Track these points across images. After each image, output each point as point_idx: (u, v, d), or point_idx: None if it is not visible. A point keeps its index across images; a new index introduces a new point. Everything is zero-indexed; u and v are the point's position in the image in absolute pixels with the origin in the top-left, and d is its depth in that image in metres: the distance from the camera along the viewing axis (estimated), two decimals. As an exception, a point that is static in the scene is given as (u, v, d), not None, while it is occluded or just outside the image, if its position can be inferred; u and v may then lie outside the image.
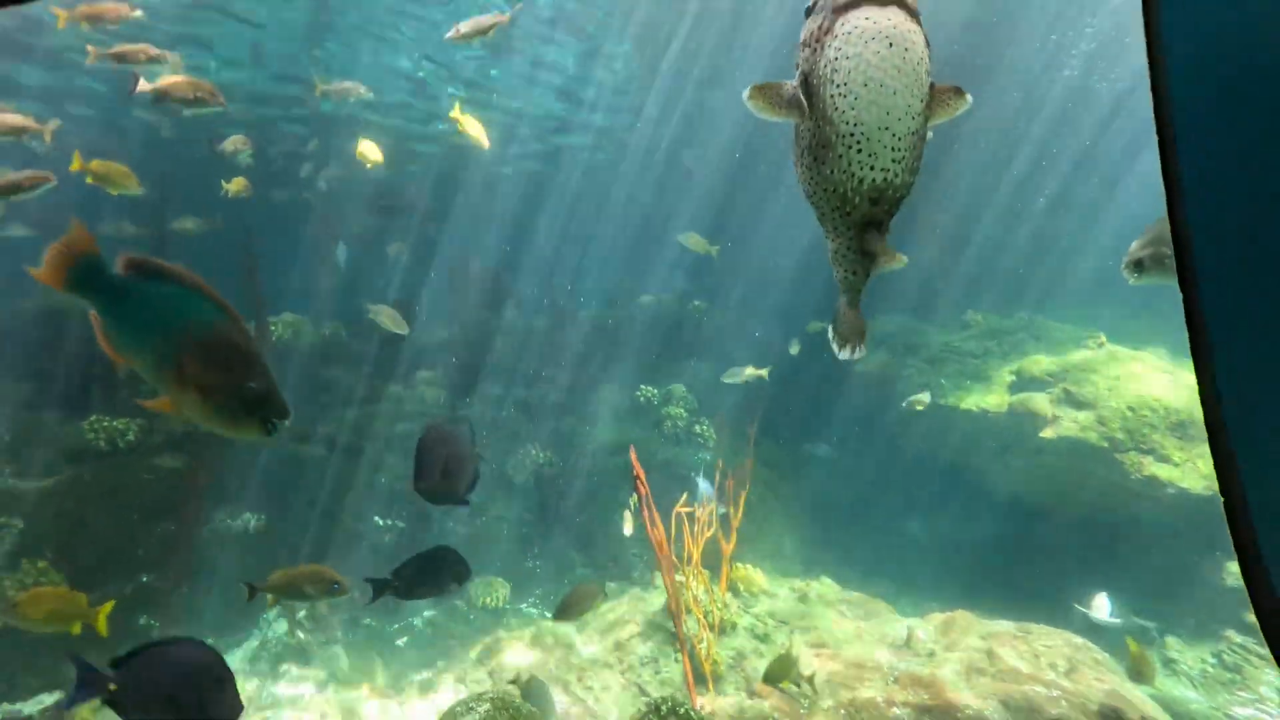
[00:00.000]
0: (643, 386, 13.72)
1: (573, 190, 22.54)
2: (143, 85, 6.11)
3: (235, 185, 9.37)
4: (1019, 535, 10.03)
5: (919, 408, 10.54)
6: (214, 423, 2.46)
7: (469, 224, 20.53)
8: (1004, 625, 7.50)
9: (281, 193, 16.68)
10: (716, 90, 16.96)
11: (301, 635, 8.89)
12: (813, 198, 2.00)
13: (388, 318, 9.66)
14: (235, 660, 8.61)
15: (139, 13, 6.85)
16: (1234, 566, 6.78)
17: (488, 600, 10.17)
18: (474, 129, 8.00)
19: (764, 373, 11.38)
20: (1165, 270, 3.14)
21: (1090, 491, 9.40)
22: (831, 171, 1.84)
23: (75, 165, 6.35)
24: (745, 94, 1.93)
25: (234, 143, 8.97)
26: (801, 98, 1.87)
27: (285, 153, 17.04)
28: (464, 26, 7.19)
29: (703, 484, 8.20)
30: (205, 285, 2.38)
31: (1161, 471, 8.80)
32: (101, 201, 9.93)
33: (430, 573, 5.05)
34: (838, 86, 1.71)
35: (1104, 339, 10.77)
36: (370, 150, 8.53)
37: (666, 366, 14.39)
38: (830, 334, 2.42)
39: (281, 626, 9.07)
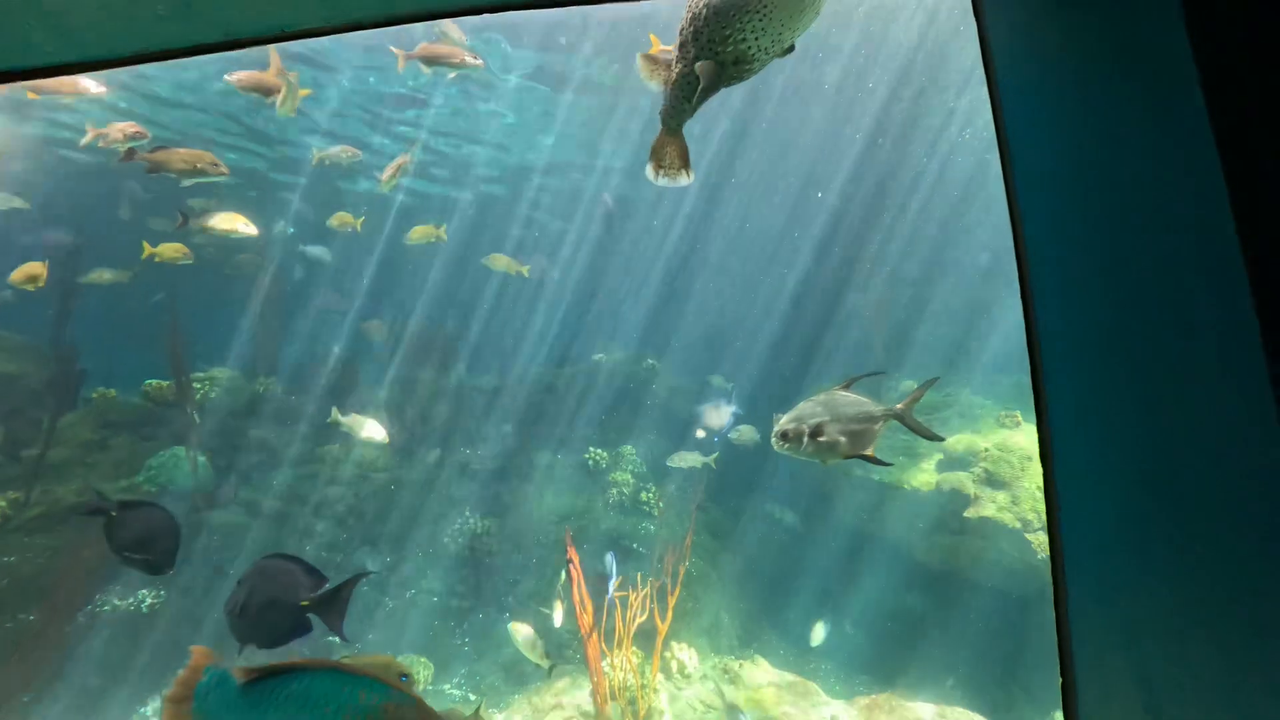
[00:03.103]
0: (591, 449, 13.50)
1: (522, 245, 22.67)
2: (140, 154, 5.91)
3: (171, 250, 8.88)
4: (947, 611, 10.07)
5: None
6: None
7: (411, 279, 20.42)
8: (925, 710, 7.40)
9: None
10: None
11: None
12: (697, 25, 1.99)
13: (359, 426, 8.87)
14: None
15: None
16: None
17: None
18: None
19: (711, 460, 11.30)
20: (796, 447, 3.43)
21: (1003, 570, 9.53)
22: (734, 20, 1.88)
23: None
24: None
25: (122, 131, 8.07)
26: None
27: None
28: (385, 174, 8.67)
29: (609, 560, 7.95)
30: (342, 664, 2.14)
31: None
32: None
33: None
34: None
35: (1019, 416, 11.10)
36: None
37: (617, 427, 14.22)
38: (650, 170, 2.38)
39: None
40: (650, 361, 16.57)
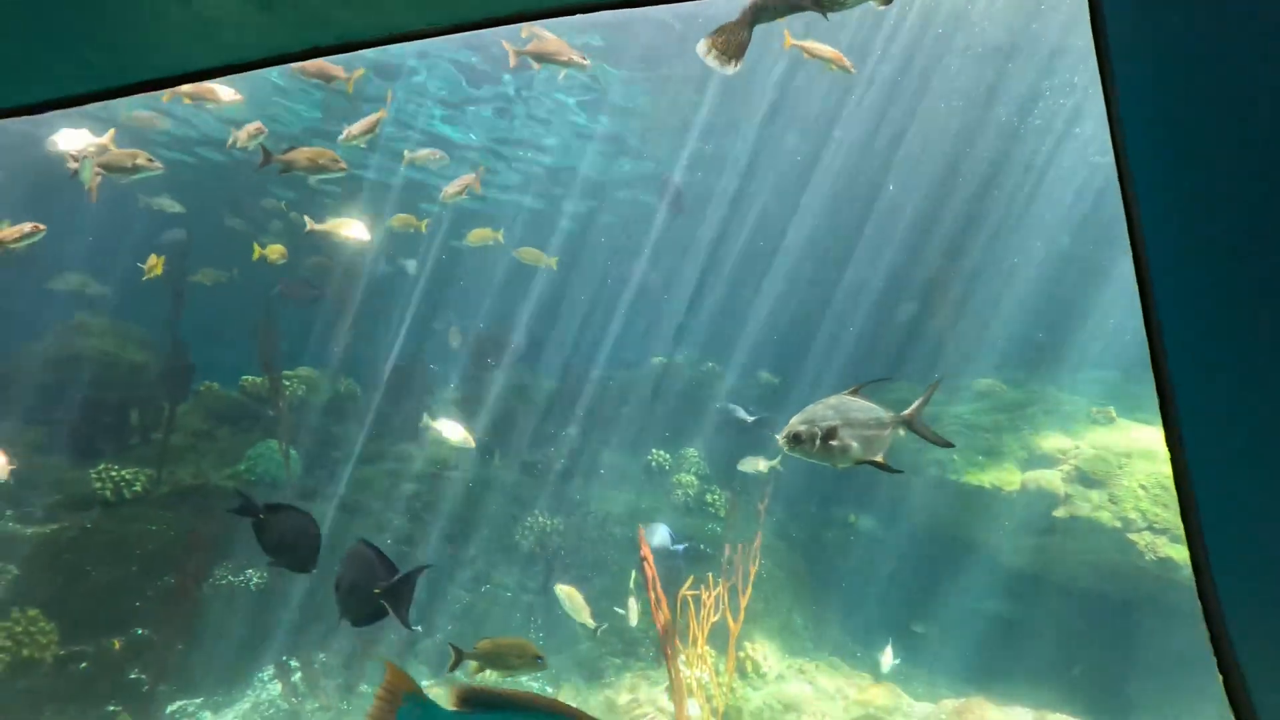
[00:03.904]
0: (654, 450, 13.62)
1: (585, 251, 22.99)
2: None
3: (272, 252, 9.38)
4: (1034, 614, 9.79)
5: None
6: None
7: (479, 284, 20.90)
8: (1020, 713, 7.23)
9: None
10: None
11: (295, 700, 8.62)
12: None
13: (451, 431, 9.21)
14: (226, 721, 8.33)
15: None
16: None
17: (486, 674, 9.84)
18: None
19: (776, 463, 11.20)
20: (808, 449, 3.41)
21: (1103, 571, 9.18)
22: None
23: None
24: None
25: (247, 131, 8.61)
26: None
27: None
28: (450, 189, 8.81)
29: (661, 531, 8.00)
30: (558, 705, 2.00)
31: (1176, 553, 8.61)
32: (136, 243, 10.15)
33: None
34: None
35: (1113, 412, 10.71)
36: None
37: (678, 429, 14.32)
38: (703, 44, 2.42)
39: (275, 689, 8.80)
40: (711, 364, 16.64)
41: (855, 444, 3.41)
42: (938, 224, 16.74)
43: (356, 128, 7.16)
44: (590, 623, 7.98)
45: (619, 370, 16.00)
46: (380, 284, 17.84)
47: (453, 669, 5.54)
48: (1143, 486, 9.16)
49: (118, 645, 7.66)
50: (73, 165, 6.27)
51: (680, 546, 9.57)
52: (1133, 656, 8.62)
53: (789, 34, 6.59)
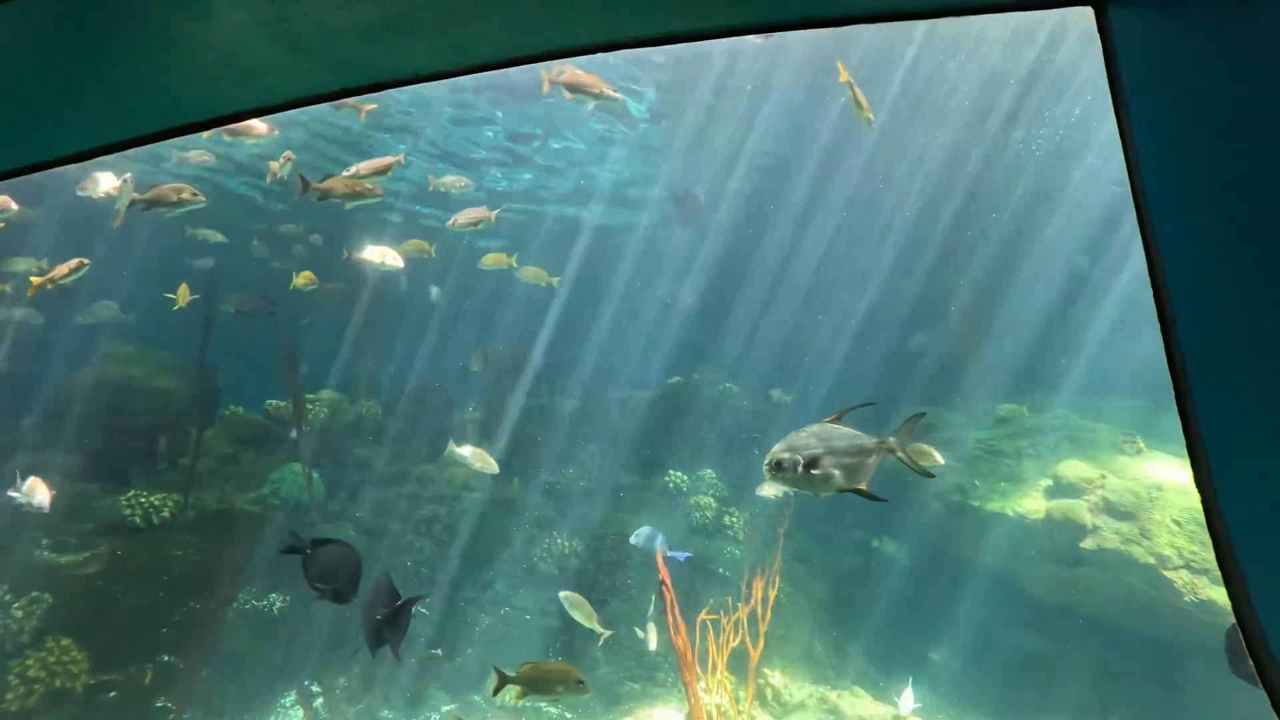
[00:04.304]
0: (672, 472, 13.57)
1: (602, 271, 23.09)
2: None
3: (301, 279, 9.55)
4: (1064, 650, 9.51)
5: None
6: None
7: (496, 304, 21.07)
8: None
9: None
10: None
11: (316, 727, 8.63)
12: None
13: (474, 458, 9.26)
14: (249, 748, 8.37)
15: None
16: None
17: (506, 698, 9.79)
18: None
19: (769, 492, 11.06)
20: (790, 477, 3.36)
21: (1137, 609, 8.91)
22: None
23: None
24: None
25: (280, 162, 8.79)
26: None
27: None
28: (460, 218, 8.67)
29: (652, 536, 7.97)
30: None
31: (1219, 595, 8.32)
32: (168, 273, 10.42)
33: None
34: None
35: (1140, 443, 10.48)
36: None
37: (695, 450, 14.25)
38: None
39: (298, 714, 8.82)
40: (727, 385, 16.60)
41: (838, 472, 3.35)
42: (957, 246, 16.68)
43: (366, 166, 7.18)
44: (598, 629, 8.06)
45: (636, 391, 16.02)
46: (401, 307, 18.09)
47: (496, 693, 5.59)
48: (1176, 522, 8.92)
49: (149, 679, 7.74)
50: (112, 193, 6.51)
51: (681, 555, 9.49)
52: (1178, 704, 8.30)
53: (843, 66, 6.85)
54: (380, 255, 7.80)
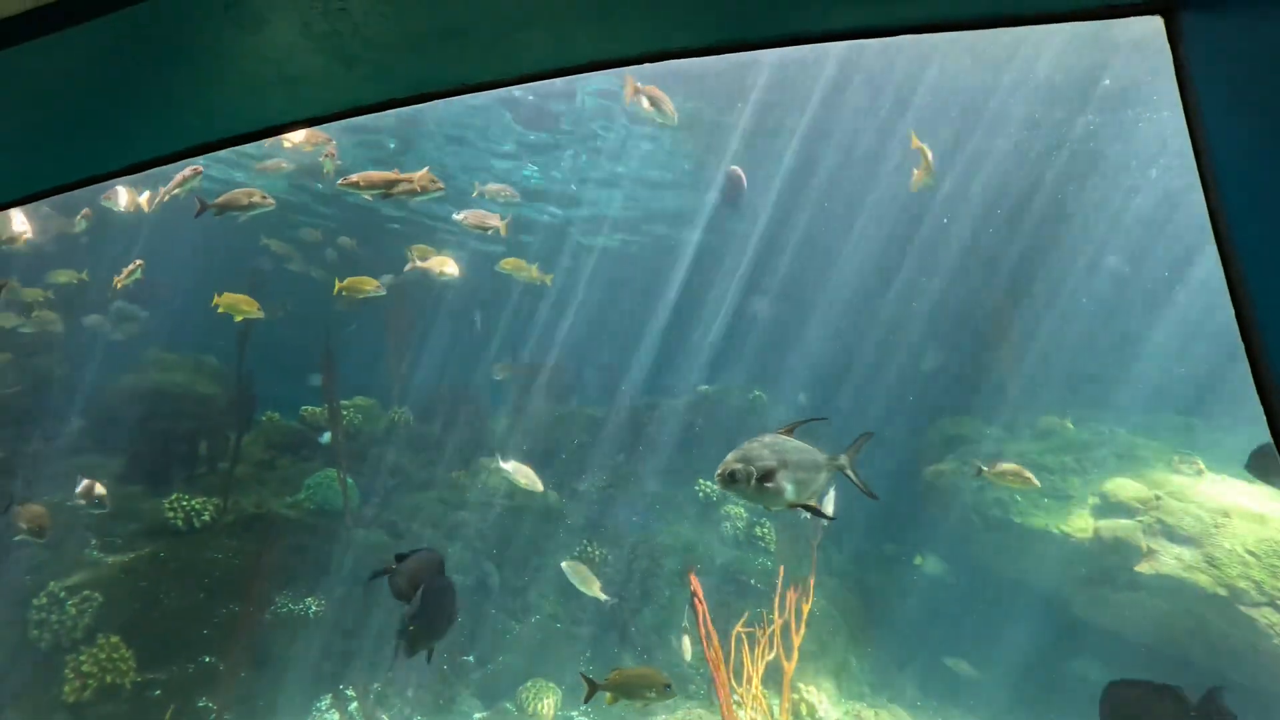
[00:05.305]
0: (701, 481, 13.46)
1: (629, 277, 23.11)
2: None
3: (366, 284, 9.16)
4: (1114, 675, 9.09)
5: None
6: None
7: (525, 311, 21.19)
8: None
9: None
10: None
11: (351, 731, 8.71)
12: None
13: (519, 474, 9.19)
14: (286, 751, 8.49)
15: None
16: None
17: (538, 706, 9.78)
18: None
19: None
20: (742, 489, 3.28)
21: (1214, 647, 8.26)
22: None
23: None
24: None
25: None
26: None
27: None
28: (471, 217, 8.34)
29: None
30: None
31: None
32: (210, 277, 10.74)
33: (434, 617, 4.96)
34: None
35: (1200, 463, 9.90)
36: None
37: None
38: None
39: (333, 717, 8.90)
40: (757, 393, 16.45)
41: (790, 486, 3.30)
42: (995, 254, 16.32)
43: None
44: (601, 596, 8.38)
45: (666, 399, 15.94)
46: (433, 314, 18.30)
47: (587, 700, 5.71)
48: (1252, 554, 8.27)
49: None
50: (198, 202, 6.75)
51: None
52: None
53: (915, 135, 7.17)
54: (439, 264, 7.93)
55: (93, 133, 1.70)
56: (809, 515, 10.25)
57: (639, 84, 7.03)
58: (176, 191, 6.68)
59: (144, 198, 7.29)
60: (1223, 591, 8.20)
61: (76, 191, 1.85)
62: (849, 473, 3.49)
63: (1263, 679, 7.96)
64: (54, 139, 1.67)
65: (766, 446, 3.37)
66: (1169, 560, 8.68)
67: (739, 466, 3.29)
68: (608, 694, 5.72)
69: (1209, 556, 8.49)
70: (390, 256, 15.03)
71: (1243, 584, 8.16)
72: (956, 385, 15.25)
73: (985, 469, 7.77)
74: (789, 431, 3.51)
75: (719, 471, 3.37)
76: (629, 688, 5.66)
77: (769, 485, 3.26)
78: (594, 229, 20.56)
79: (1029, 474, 7.58)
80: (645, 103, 6.96)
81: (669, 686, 5.64)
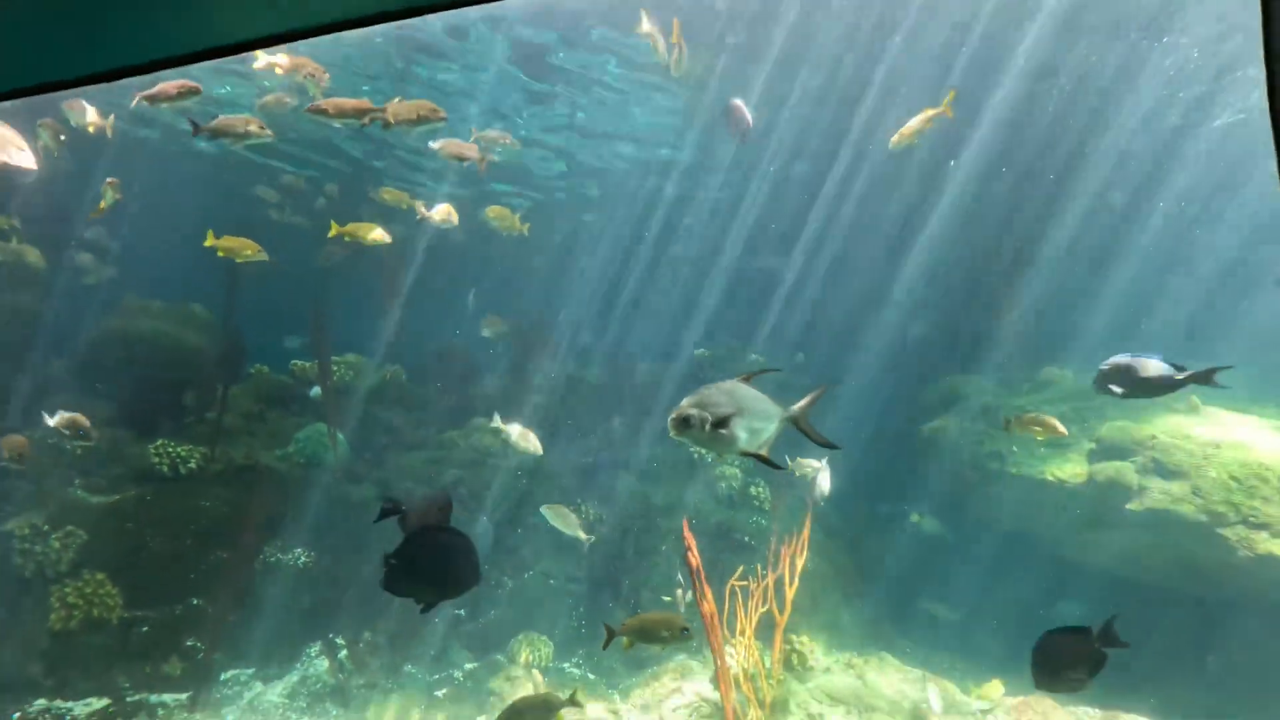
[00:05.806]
0: (695, 443, 13.38)
1: (625, 241, 22.77)
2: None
3: (367, 231, 8.34)
4: (1102, 614, 9.17)
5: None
6: None
7: (517, 274, 20.91)
8: (1089, 712, 6.78)
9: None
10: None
11: (341, 676, 8.69)
12: None
13: (520, 438, 8.98)
14: (275, 693, 8.47)
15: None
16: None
17: (530, 658, 9.79)
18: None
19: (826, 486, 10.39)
20: (696, 434, 3.24)
21: (1189, 569, 8.53)
22: None
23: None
24: None
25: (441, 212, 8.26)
26: None
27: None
28: (449, 146, 7.65)
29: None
30: None
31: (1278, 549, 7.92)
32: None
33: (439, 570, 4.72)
34: None
35: (1196, 400, 9.88)
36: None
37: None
38: None
39: (322, 664, 8.89)
40: (755, 356, 16.34)
41: (744, 435, 3.28)
42: (994, 208, 16.03)
43: (332, 104, 6.43)
44: (582, 535, 8.44)
45: (662, 361, 15.83)
46: (424, 271, 17.99)
47: (605, 647, 5.71)
48: (1234, 479, 8.41)
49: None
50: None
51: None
52: (1225, 662, 7.98)
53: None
54: (443, 213, 7.69)
55: (54, 30, 1.54)
56: (804, 475, 10.15)
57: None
58: (165, 105, 6.30)
59: (109, 120, 6.96)
60: (1204, 518, 8.38)
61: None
62: (802, 425, 3.46)
63: (1229, 590, 8.29)
64: (12, 34, 1.50)
65: (725, 393, 3.35)
66: (1157, 495, 8.78)
67: (694, 412, 3.27)
68: (624, 639, 5.72)
69: (1195, 487, 8.62)
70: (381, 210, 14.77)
71: (1222, 508, 8.34)
72: (953, 344, 15.15)
73: (1012, 420, 7.75)
74: (747, 380, 3.50)
75: (672, 416, 3.32)
76: (646, 631, 5.69)
77: (723, 431, 3.23)
78: (588, 183, 20.13)
79: (1055, 421, 7.54)
80: (659, 42, 6.64)
81: (686, 630, 5.63)
